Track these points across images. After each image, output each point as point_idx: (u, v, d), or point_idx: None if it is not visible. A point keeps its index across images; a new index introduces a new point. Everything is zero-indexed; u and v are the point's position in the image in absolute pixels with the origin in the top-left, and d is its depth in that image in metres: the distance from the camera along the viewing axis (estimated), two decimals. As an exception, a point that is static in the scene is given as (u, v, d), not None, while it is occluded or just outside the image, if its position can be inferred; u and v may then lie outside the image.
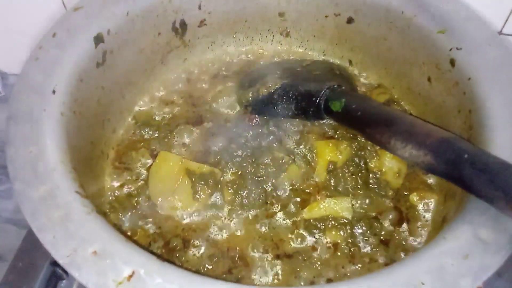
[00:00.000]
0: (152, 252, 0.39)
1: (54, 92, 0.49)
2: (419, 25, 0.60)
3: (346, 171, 0.61)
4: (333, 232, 0.57)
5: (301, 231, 0.58)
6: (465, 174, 0.41)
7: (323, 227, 0.57)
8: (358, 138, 0.62)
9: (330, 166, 0.61)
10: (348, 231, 0.57)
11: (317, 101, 0.62)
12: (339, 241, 0.57)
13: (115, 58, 0.60)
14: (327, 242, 0.57)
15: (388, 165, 0.60)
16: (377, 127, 0.53)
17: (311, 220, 0.58)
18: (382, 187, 0.60)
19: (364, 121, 0.56)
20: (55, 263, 0.64)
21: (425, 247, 0.39)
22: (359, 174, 0.60)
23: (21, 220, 0.80)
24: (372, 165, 0.61)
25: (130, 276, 0.36)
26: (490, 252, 0.38)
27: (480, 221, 0.40)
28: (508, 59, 0.52)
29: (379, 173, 0.61)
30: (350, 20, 0.68)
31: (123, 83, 0.65)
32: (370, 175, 0.61)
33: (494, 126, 0.48)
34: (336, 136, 0.64)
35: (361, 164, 0.61)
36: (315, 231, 0.57)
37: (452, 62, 0.56)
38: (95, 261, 0.37)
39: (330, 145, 0.62)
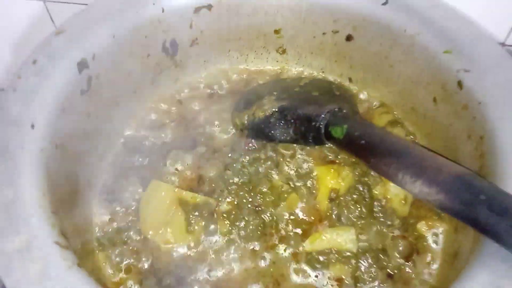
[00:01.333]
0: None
1: (32, 126, 0.46)
2: (423, 44, 0.57)
3: (349, 199, 0.57)
4: (337, 266, 0.53)
5: (302, 266, 0.54)
6: (482, 217, 0.38)
7: (326, 261, 0.54)
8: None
9: (332, 194, 0.57)
10: (353, 264, 0.54)
11: (317, 125, 0.58)
12: (343, 276, 0.53)
13: (101, 83, 0.57)
14: (330, 277, 0.53)
15: (394, 191, 0.57)
16: (383, 157, 0.50)
17: (313, 253, 0.54)
18: (388, 216, 0.57)
19: (369, 150, 0.52)
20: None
21: (457, 281, 0.35)
22: (363, 202, 0.57)
23: None
24: (376, 192, 0.58)
25: None
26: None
27: (501, 271, 0.36)
28: (521, 81, 0.49)
29: (384, 200, 0.57)
30: (349, 38, 0.65)
31: (111, 108, 0.61)
32: (375, 203, 0.57)
33: (508, 154, 0.45)
34: (337, 160, 0.60)
35: (364, 191, 0.57)
36: (317, 265, 0.54)
37: (460, 84, 0.53)
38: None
39: (332, 171, 0.58)
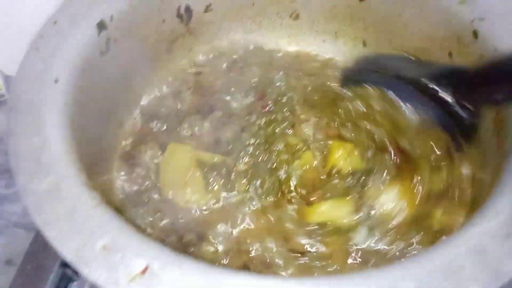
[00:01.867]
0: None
1: (56, 81, 0.47)
2: (437, -3, 0.57)
3: (344, 183, 0.56)
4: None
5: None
6: None
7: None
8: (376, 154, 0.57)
9: (333, 170, 0.58)
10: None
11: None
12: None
13: (119, 47, 0.57)
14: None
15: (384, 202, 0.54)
16: None
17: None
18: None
19: None
20: (65, 265, 0.62)
21: (463, 228, 0.36)
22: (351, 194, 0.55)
23: (29, 223, 0.78)
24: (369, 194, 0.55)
25: (143, 270, 0.33)
26: (535, 230, 0.35)
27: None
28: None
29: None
30: (361, -2, 0.65)
31: (129, 74, 0.62)
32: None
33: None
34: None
35: (360, 181, 0.56)
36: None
37: (475, 34, 0.53)
38: (105, 256, 0.34)
39: (344, 149, 0.58)
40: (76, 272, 0.62)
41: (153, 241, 0.36)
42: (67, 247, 0.34)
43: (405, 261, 0.34)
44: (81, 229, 0.35)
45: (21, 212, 0.81)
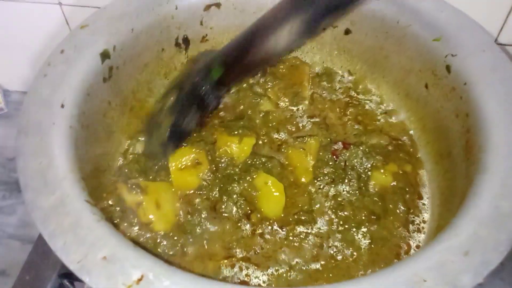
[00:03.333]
0: (159, 257, 0.40)
1: (62, 106, 0.51)
2: (414, 33, 0.62)
3: None
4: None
5: None
6: None
7: None
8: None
9: None
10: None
11: (201, 92, 0.62)
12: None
13: (120, 74, 0.62)
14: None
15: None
16: (249, 46, 0.58)
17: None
18: None
19: (240, 55, 0.60)
20: (62, 275, 0.65)
21: (426, 246, 0.40)
22: None
23: (24, 235, 0.82)
24: None
25: (139, 279, 0.37)
26: (490, 248, 0.39)
27: (479, 219, 0.41)
28: (502, 63, 0.54)
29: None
30: (347, 32, 0.70)
31: (128, 99, 0.66)
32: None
33: (490, 127, 0.49)
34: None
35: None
36: None
37: (448, 68, 0.58)
38: (105, 265, 0.38)
39: None
40: (73, 283, 0.65)
41: (148, 253, 0.39)
42: (70, 258, 0.38)
43: (372, 275, 0.38)
44: (84, 241, 0.39)
45: (16, 224, 0.83)
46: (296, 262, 0.54)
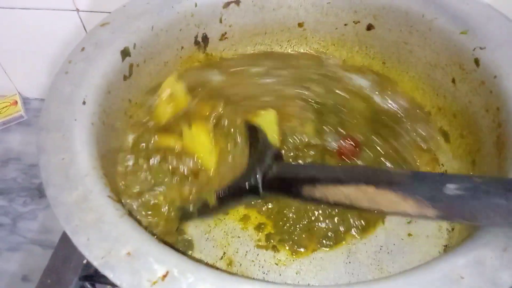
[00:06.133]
0: (184, 254, 0.39)
1: (84, 102, 0.51)
2: (440, 27, 0.60)
3: None
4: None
5: None
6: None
7: None
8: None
9: None
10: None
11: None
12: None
13: (140, 71, 0.62)
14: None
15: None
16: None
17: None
18: None
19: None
20: (84, 278, 0.65)
21: (463, 242, 0.38)
22: None
23: (46, 240, 0.82)
24: None
25: (164, 275, 0.36)
26: (530, 244, 0.37)
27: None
28: (533, 54, 0.52)
29: None
30: (369, 27, 0.69)
31: (148, 97, 0.65)
32: None
33: (523, 120, 0.48)
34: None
35: None
36: None
37: (477, 62, 0.56)
38: (129, 261, 0.37)
39: None
40: (94, 286, 0.64)
41: (172, 249, 0.38)
42: (94, 254, 0.37)
43: (407, 272, 0.36)
44: (107, 237, 0.38)
45: (37, 229, 0.84)
46: None
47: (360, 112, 0.63)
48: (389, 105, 0.65)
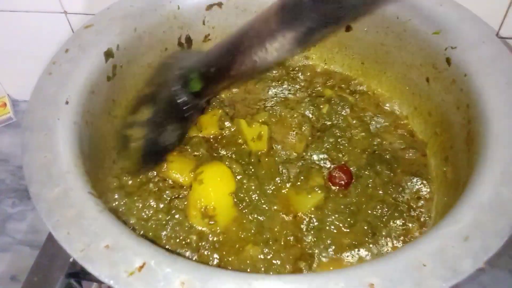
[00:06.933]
0: (160, 246, 0.40)
1: (67, 102, 0.52)
2: (414, 28, 0.62)
3: None
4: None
5: None
6: None
7: None
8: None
9: None
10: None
11: (178, 101, 0.58)
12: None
13: (124, 72, 0.63)
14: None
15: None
16: (234, 59, 0.53)
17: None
18: None
19: (223, 68, 0.55)
20: (70, 275, 0.65)
21: (426, 232, 0.40)
22: None
23: (34, 241, 0.83)
24: None
25: (141, 267, 0.37)
26: (490, 234, 0.39)
27: (479, 205, 0.41)
28: (502, 54, 0.54)
29: None
30: (348, 28, 0.71)
31: (131, 98, 0.67)
32: None
33: (490, 117, 0.49)
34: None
35: None
36: None
37: (448, 61, 0.58)
38: (108, 254, 0.38)
39: None
40: (80, 283, 0.66)
41: (149, 242, 0.40)
42: (74, 247, 0.39)
43: (372, 261, 0.38)
44: (87, 231, 0.40)
45: (26, 230, 0.85)
46: None
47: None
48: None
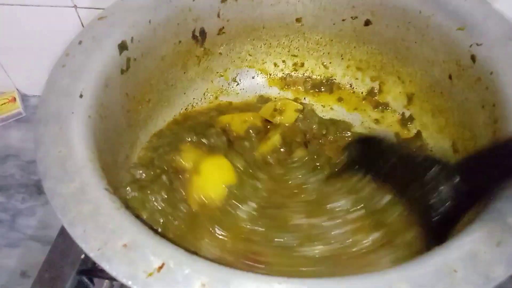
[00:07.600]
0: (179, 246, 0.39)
1: (81, 96, 0.51)
2: (437, 23, 0.60)
3: None
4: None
5: None
6: None
7: None
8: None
9: None
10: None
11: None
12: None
13: (137, 65, 0.61)
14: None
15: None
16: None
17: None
18: None
19: None
20: (81, 272, 0.65)
21: (456, 236, 0.38)
22: None
23: (44, 236, 0.82)
24: None
25: (160, 267, 0.36)
26: (523, 239, 0.37)
27: (510, 209, 0.39)
28: (530, 51, 0.52)
29: None
30: (367, 23, 0.69)
31: (145, 92, 0.66)
32: None
33: (519, 117, 0.48)
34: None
35: None
36: None
37: (473, 58, 0.56)
38: (125, 253, 0.37)
39: None
40: (92, 280, 0.65)
41: (168, 242, 0.38)
42: (90, 245, 0.37)
43: (401, 265, 0.36)
44: (104, 229, 0.39)
45: (36, 226, 0.84)
46: None
47: None
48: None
